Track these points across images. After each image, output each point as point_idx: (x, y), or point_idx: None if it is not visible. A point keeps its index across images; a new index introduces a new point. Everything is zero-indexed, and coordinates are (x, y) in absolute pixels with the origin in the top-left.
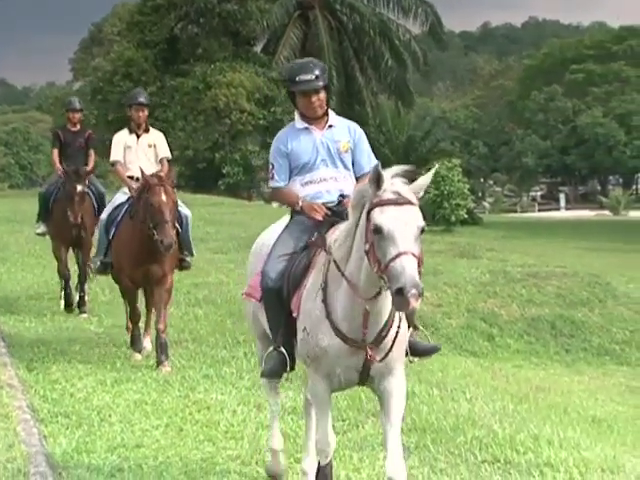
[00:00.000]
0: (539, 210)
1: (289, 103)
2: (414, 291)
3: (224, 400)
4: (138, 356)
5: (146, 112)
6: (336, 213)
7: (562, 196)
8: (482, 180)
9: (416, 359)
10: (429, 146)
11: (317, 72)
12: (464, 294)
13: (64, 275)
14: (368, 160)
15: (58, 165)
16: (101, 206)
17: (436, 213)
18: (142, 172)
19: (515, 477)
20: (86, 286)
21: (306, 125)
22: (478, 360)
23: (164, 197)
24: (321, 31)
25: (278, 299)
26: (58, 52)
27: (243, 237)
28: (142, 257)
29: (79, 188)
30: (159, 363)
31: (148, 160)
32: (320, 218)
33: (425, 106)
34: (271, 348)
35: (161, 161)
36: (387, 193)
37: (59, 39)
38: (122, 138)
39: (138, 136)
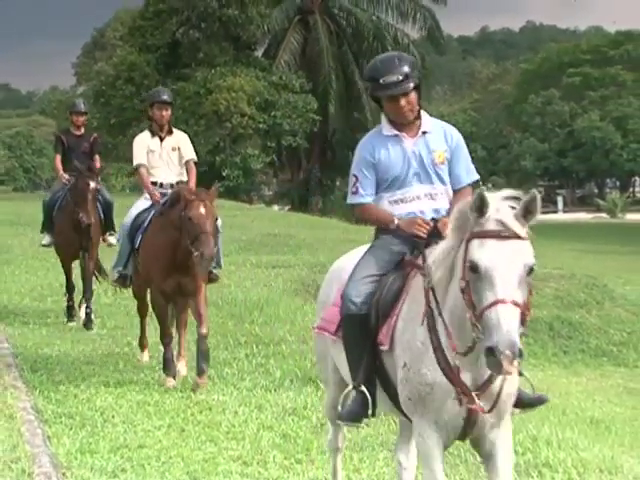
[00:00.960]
0: None
1: (289, 107)
2: (508, 352)
3: (225, 401)
4: (172, 382)
5: (169, 111)
6: (435, 232)
7: (560, 199)
8: (480, 183)
9: (517, 411)
10: None
11: (405, 69)
12: None
13: (71, 288)
14: (467, 172)
15: (61, 172)
16: (107, 217)
17: None
18: (180, 191)
19: (514, 477)
20: (91, 302)
21: (395, 132)
22: None
23: (203, 211)
24: (321, 36)
25: (362, 328)
26: (61, 57)
27: (244, 240)
28: (174, 268)
29: (92, 184)
30: (200, 373)
31: (173, 164)
32: (424, 234)
33: (423, 110)
34: (350, 387)
35: (186, 164)
36: (490, 222)
37: (62, 44)
38: (144, 141)
39: (161, 139)
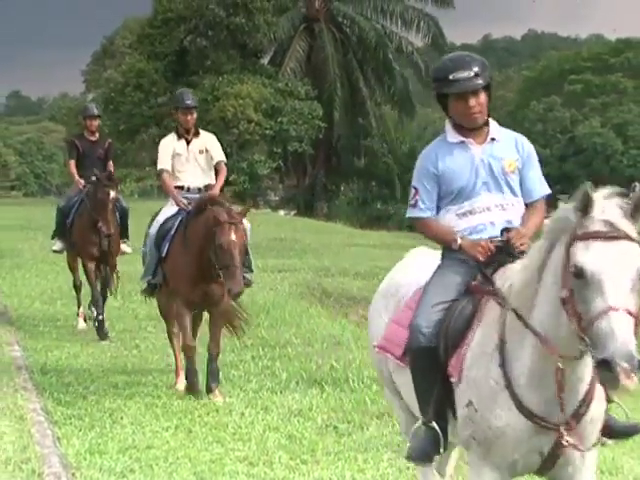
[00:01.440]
0: None
1: (295, 113)
2: (625, 365)
3: (232, 403)
4: (197, 387)
5: (194, 115)
6: (502, 250)
7: (561, 204)
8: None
9: (610, 441)
10: None
11: (476, 68)
12: None
13: (96, 299)
14: (540, 184)
15: (77, 177)
16: (123, 224)
17: None
18: (210, 206)
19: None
20: (103, 309)
21: (461, 138)
22: None
23: (234, 237)
24: (326, 43)
25: (432, 361)
26: (71, 64)
27: (250, 244)
28: (200, 276)
29: (112, 194)
30: (209, 390)
31: (200, 168)
32: (482, 259)
33: (427, 117)
34: (419, 422)
35: (216, 166)
36: (596, 223)
37: (72, 51)
38: (170, 144)
39: (188, 142)
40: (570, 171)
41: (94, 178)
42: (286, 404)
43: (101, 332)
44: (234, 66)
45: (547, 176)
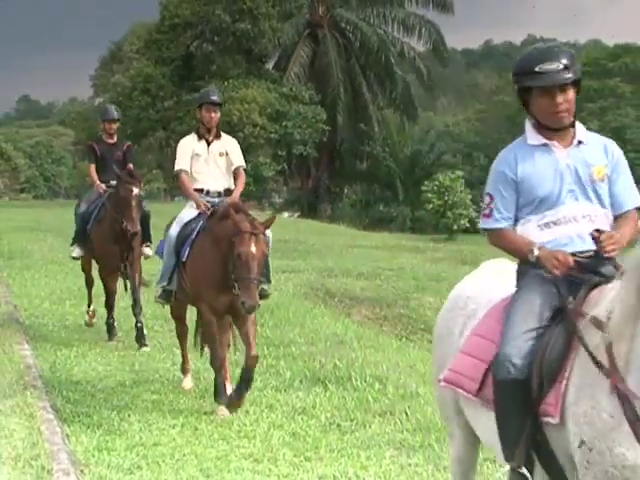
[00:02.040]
0: None
1: (299, 117)
2: None
3: None
4: (226, 412)
5: (218, 114)
6: (589, 267)
7: None
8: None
9: None
10: (433, 159)
11: (565, 60)
12: None
13: (111, 305)
14: (631, 193)
15: (98, 182)
16: (144, 227)
17: (439, 222)
18: (233, 214)
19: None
20: (141, 317)
21: (544, 141)
22: None
23: (254, 248)
24: (329, 49)
25: (523, 396)
26: (79, 69)
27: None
28: (225, 283)
29: (135, 191)
30: (238, 397)
31: (220, 171)
32: (559, 274)
33: (429, 120)
34: (507, 467)
35: (235, 171)
36: None
37: (80, 56)
38: (189, 144)
39: (208, 143)
40: None
41: (114, 181)
42: (290, 402)
43: (140, 339)
44: (239, 71)
45: None
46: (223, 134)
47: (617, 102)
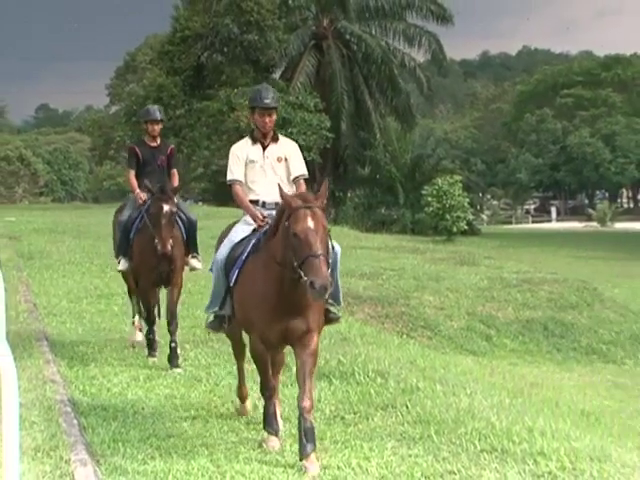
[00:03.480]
0: (532, 222)
1: (304, 125)
2: None
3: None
4: (276, 442)
5: (274, 117)
6: None
7: (553, 209)
8: (480, 194)
9: None
10: (432, 164)
11: None
12: (464, 298)
13: (152, 319)
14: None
15: (138, 190)
16: (190, 237)
17: (439, 225)
18: (281, 190)
19: (511, 465)
20: (176, 336)
21: None
22: (477, 358)
23: (311, 223)
24: (333, 59)
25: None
26: (96, 79)
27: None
28: (280, 308)
29: (166, 208)
30: (303, 455)
31: (278, 178)
32: None
33: (428, 127)
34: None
35: (295, 181)
36: None
37: (96, 67)
38: (243, 150)
39: (264, 147)
40: (562, 179)
41: (147, 192)
42: (296, 396)
43: (173, 359)
44: (248, 80)
45: (540, 184)
46: (281, 137)
47: (608, 110)
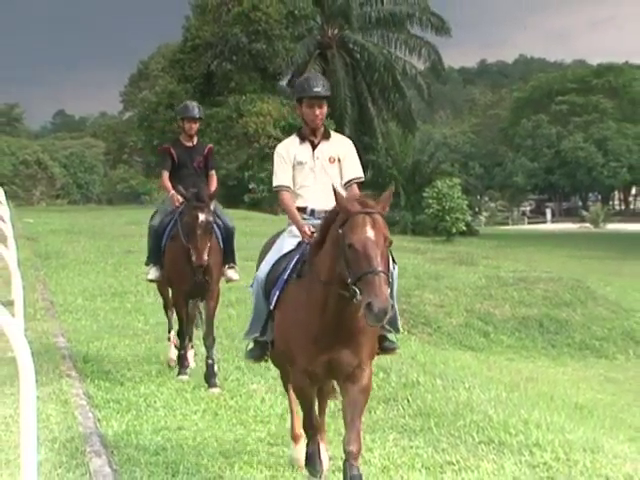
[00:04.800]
0: (528, 223)
1: None
2: None
3: (254, 389)
4: None
5: (325, 109)
6: None
7: (548, 211)
8: (478, 197)
9: None
10: (432, 167)
11: None
12: (463, 296)
13: (187, 332)
14: None
15: (173, 192)
16: (227, 245)
17: (438, 226)
18: (336, 191)
19: (508, 456)
20: (214, 351)
21: None
22: (475, 354)
23: (371, 233)
24: (337, 67)
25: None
26: (110, 86)
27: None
28: (325, 337)
29: (201, 217)
30: None
31: (331, 181)
32: None
33: (429, 132)
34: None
35: (347, 185)
36: None
37: (110, 75)
38: (289, 150)
39: (314, 146)
40: (556, 182)
41: (194, 189)
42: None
43: (210, 378)
44: (255, 87)
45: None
46: (334, 134)
47: (600, 116)
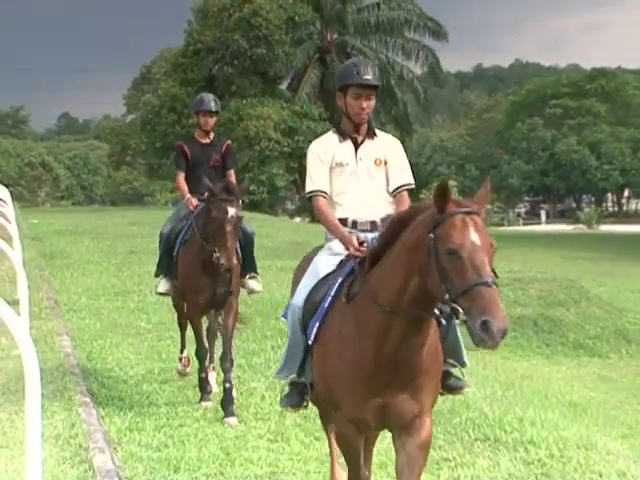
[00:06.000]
0: (523, 224)
1: (310, 133)
2: None
3: (254, 386)
4: None
5: (373, 102)
6: None
7: (543, 212)
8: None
9: None
10: (429, 170)
11: None
12: None
13: (203, 352)
14: None
15: (189, 195)
16: (247, 254)
17: None
18: (439, 203)
19: (503, 453)
20: (232, 374)
21: None
22: (471, 352)
23: (476, 237)
24: (336, 72)
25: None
26: (114, 89)
27: (270, 247)
28: (379, 378)
29: (231, 212)
30: None
31: (375, 188)
32: None
33: (425, 135)
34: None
35: (395, 193)
36: None
37: (114, 78)
38: (327, 148)
39: (357, 145)
40: (551, 184)
41: (206, 193)
42: None
43: (228, 405)
44: (256, 91)
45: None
46: (380, 132)
47: (594, 120)
